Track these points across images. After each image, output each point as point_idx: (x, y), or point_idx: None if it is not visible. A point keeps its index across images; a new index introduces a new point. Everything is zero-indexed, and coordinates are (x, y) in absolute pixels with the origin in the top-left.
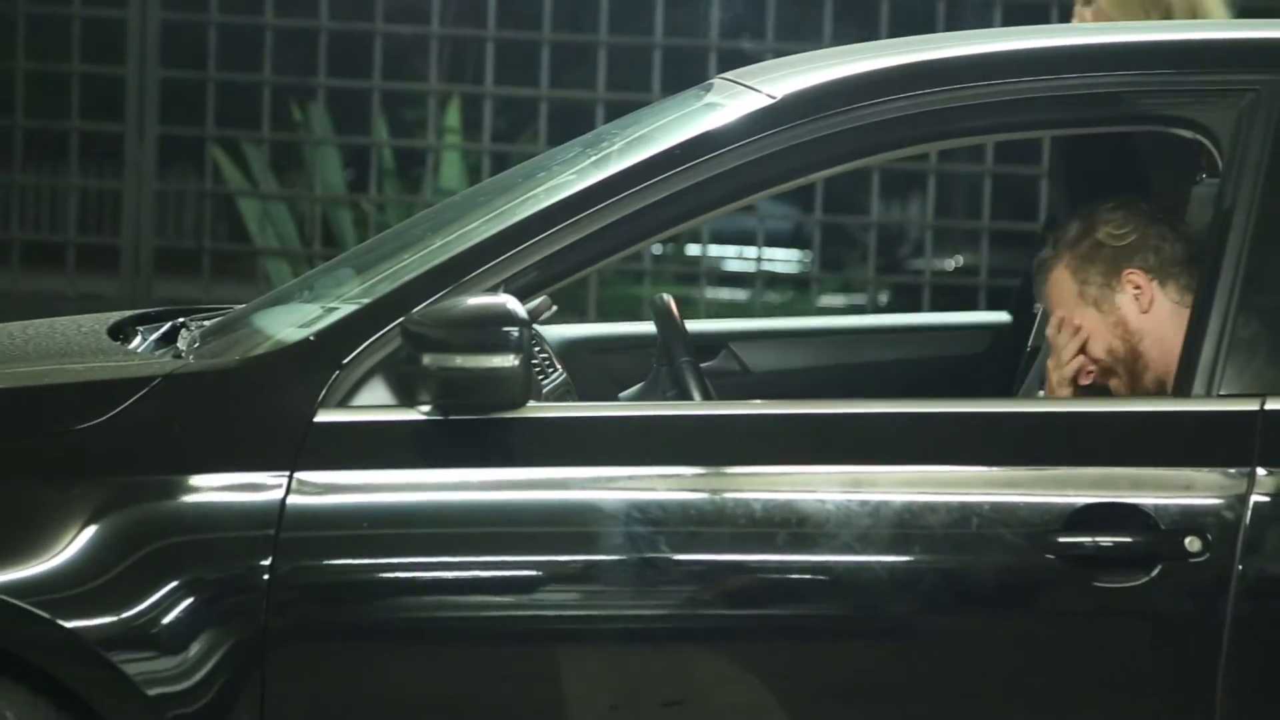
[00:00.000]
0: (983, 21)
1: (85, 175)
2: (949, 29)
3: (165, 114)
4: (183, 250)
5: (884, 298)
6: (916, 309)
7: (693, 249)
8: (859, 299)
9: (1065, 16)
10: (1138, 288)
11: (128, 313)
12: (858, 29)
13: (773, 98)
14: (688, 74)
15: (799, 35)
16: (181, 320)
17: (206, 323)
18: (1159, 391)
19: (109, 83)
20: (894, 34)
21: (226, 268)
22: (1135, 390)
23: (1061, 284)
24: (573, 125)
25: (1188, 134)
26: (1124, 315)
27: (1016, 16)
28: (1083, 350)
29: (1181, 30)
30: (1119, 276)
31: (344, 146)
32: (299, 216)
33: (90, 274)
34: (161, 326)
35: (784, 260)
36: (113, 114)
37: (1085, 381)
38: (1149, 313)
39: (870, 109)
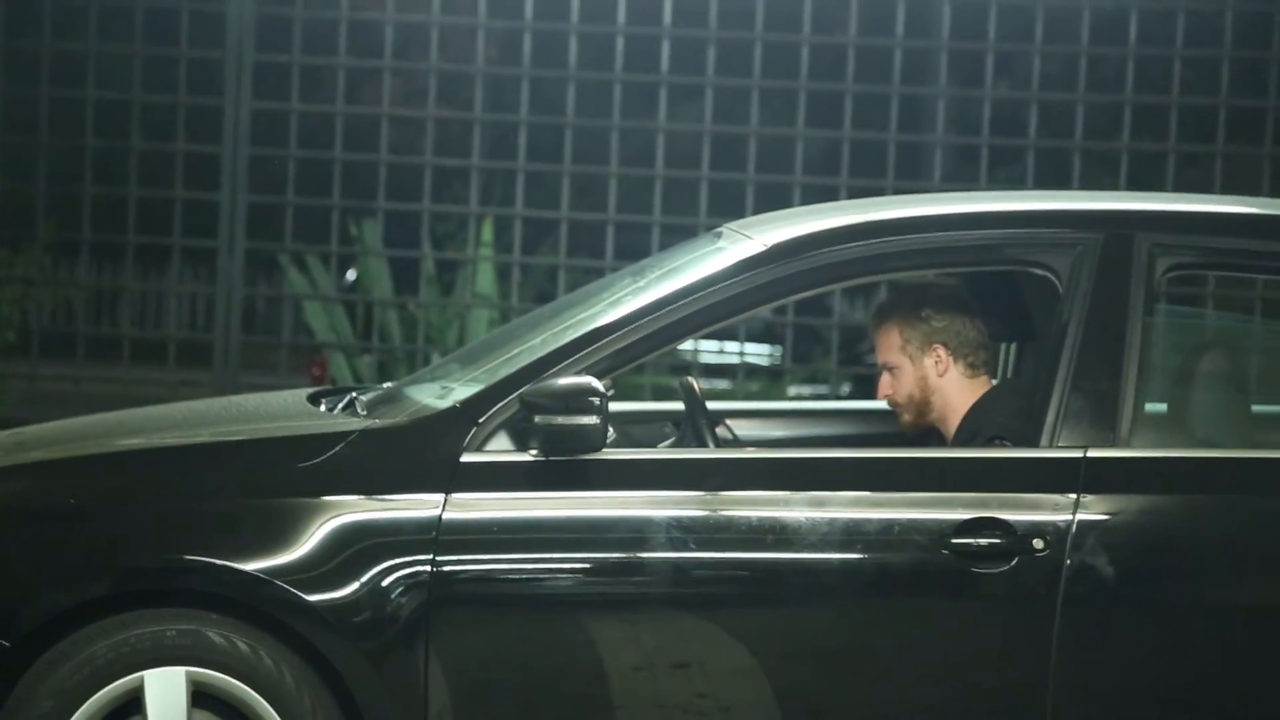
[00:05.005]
0: (927, 162)
1: (183, 282)
2: (899, 173)
3: (251, 231)
4: (259, 345)
5: (845, 387)
6: (873, 397)
7: (683, 345)
8: (823, 388)
9: (1050, 168)
10: (939, 359)
11: (311, 389)
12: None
13: (764, 245)
14: (682, 199)
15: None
16: (354, 394)
17: (364, 397)
18: (933, 430)
19: (205, 205)
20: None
21: (298, 364)
22: (917, 425)
23: (890, 335)
24: (586, 240)
25: (1041, 272)
26: (926, 373)
27: (953, 154)
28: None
29: (1037, 200)
30: (930, 346)
31: (393, 258)
32: (354, 317)
33: (187, 366)
34: (341, 399)
35: (759, 354)
36: (208, 231)
37: (883, 400)
38: (943, 378)
39: (831, 253)
